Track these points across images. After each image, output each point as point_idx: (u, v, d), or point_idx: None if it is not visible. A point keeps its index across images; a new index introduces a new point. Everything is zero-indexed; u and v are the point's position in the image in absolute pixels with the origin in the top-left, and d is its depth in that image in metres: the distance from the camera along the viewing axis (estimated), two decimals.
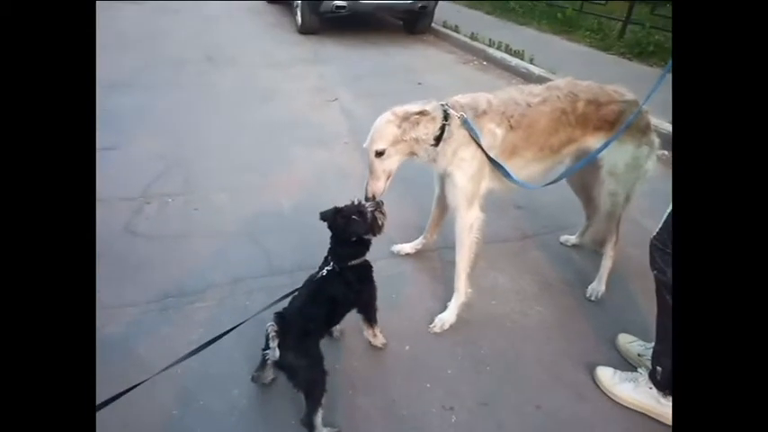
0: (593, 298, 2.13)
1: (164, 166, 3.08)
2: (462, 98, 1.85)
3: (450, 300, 1.98)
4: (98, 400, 1.09)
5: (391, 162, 1.78)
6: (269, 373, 1.58)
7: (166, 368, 1.30)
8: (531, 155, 1.89)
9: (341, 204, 1.59)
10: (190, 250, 2.34)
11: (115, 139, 3.36)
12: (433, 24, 7.01)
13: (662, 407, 1.57)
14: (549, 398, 1.67)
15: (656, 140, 1.96)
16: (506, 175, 1.81)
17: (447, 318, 1.94)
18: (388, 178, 1.80)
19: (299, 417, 1.44)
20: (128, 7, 7.58)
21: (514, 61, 5.43)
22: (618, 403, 1.64)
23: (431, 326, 1.93)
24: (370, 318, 1.74)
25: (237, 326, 1.47)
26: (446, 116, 1.76)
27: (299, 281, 1.63)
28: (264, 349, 1.43)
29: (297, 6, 6.62)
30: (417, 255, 2.37)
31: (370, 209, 1.58)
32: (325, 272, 1.57)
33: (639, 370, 1.66)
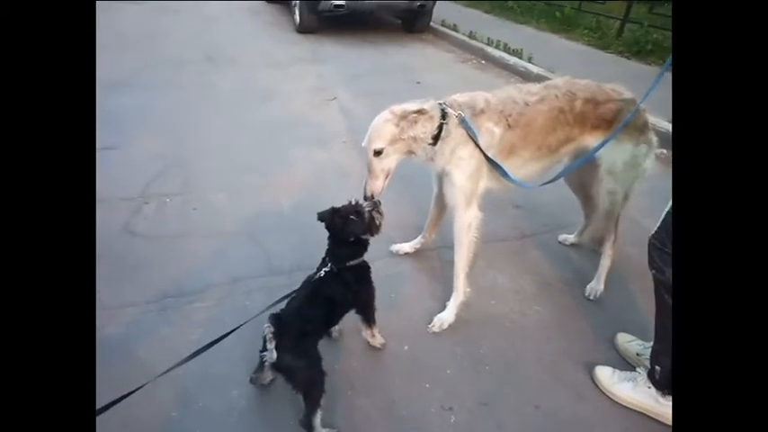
0: (591, 297, 2.13)
1: (163, 166, 3.08)
2: (460, 97, 1.85)
3: (449, 299, 1.98)
4: (98, 401, 1.09)
5: (389, 161, 1.78)
6: (267, 375, 1.58)
7: (167, 371, 1.29)
8: (529, 154, 1.89)
9: (339, 204, 1.59)
10: (189, 250, 2.34)
11: (114, 139, 3.35)
12: (431, 23, 7.02)
13: (661, 406, 1.57)
14: (549, 397, 1.67)
15: (655, 139, 1.96)
16: (504, 174, 1.81)
17: (446, 317, 1.94)
18: (386, 177, 1.80)
19: (298, 418, 1.44)
20: (128, 7, 7.57)
21: (513, 60, 5.43)
22: (617, 403, 1.64)
23: (430, 325, 1.93)
24: (368, 318, 1.74)
25: (238, 328, 1.47)
26: (444, 115, 1.76)
27: (299, 281, 1.63)
28: (262, 351, 1.43)
29: (295, 6, 6.62)
30: (416, 254, 2.37)
31: (367, 209, 1.58)
32: (323, 273, 1.57)
33: (638, 369, 1.66)
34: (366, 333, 1.79)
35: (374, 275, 1.70)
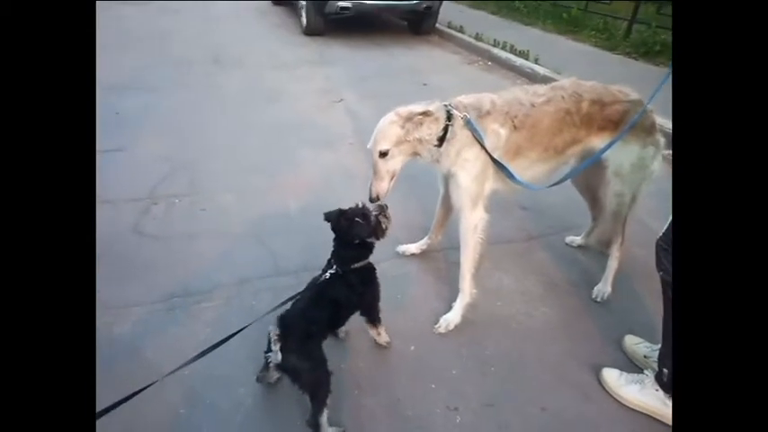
0: (598, 299, 2.12)
1: (170, 168, 3.11)
2: (466, 98, 1.85)
3: (455, 300, 1.98)
4: (104, 400, 1.10)
5: (395, 162, 1.79)
6: (273, 374, 1.59)
7: (174, 371, 1.29)
8: (536, 155, 1.88)
9: (346, 206, 1.59)
10: (196, 251, 2.36)
11: (122, 141, 3.39)
12: (437, 25, 7.02)
13: (668, 409, 1.56)
14: (555, 399, 1.67)
15: (662, 140, 1.94)
16: (510, 176, 1.81)
17: (452, 318, 1.94)
18: (391, 179, 1.81)
19: (305, 418, 1.45)
20: (134, 8, 7.66)
21: (519, 61, 5.42)
22: (623, 405, 1.64)
23: (436, 326, 1.93)
24: (372, 319, 1.75)
25: (245, 328, 1.47)
26: (449, 117, 1.76)
27: (305, 281, 1.64)
28: (267, 352, 1.44)
29: (302, 7, 6.65)
30: (422, 255, 2.37)
31: (374, 212, 1.57)
32: (327, 275, 1.57)
33: (646, 372, 1.65)
34: (372, 332, 1.79)
35: (381, 276, 1.71)
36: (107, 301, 1.95)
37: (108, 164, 3.02)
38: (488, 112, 1.80)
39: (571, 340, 1.92)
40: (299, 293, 1.58)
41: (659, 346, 1.60)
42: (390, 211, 1.64)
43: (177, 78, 4.84)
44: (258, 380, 1.63)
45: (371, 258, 1.67)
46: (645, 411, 1.60)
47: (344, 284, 1.57)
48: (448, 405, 1.63)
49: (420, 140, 1.75)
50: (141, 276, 2.16)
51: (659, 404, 1.58)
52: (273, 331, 1.38)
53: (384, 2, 6.33)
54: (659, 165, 1.95)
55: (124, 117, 3.85)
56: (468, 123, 1.76)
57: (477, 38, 6.33)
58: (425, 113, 1.73)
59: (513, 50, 5.72)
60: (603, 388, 1.69)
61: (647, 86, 1.86)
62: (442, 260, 2.36)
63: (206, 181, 2.99)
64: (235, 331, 1.45)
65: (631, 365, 1.77)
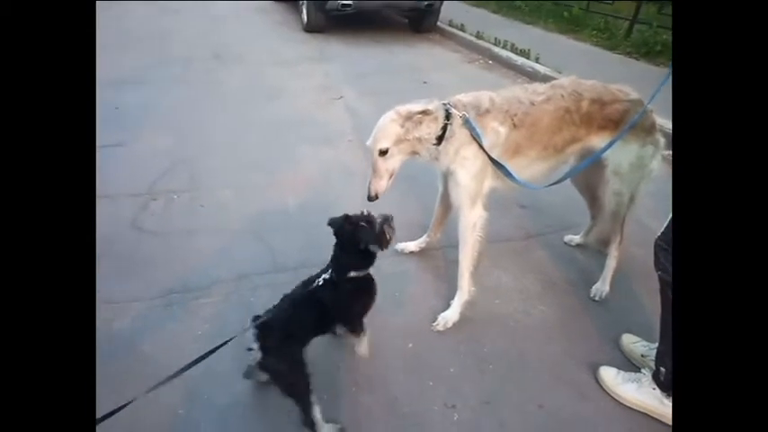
0: (597, 298, 2.12)
1: (170, 163, 3.11)
2: (465, 97, 1.85)
3: (453, 298, 1.98)
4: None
5: (394, 161, 1.79)
6: (261, 373, 1.57)
7: (174, 375, 1.26)
8: (535, 154, 1.88)
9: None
10: (195, 246, 2.36)
11: (121, 136, 3.39)
12: (438, 23, 7.00)
13: (665, 407, 1.56)
14: (552, 397, 1.67)
15: (662, 140, 1.94)
16: (508, 175, 1.81)
17: (450, 316, 1.95)
18: (390, 177, 1.81)
19: (301, 417, 1.44)
20: (135, 7, 7.63)
21: (520, 60, 5.42)
22: (620, 403, 1.64)
23: (434, 324, 1.94)
24: (354, 329, 1.65)
25: (245, 329, 1.46)
26: (448, 115, 1.76)
27: (303, 278, 1.64)
28: (249, 349, 1.43)
29: (303, 5, 6.64)
30: (421, 253, 2.37)
31: (379, 220, 1.53)
32: (321, 281, 1.53)
33: (643, 370, 1.66)
34: (352, 340, 1.70)
35: (379, 274, 1.68)
36: (106, 297, 1.95)
37: (107, 159, 3.02)
38: (487, 111, 1.80)
39: (569, 339, 1.92)
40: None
41: (657, 344, 1.60)
42: (394, 223, 1.58)
43: (177, 75, 4.83)
44: (245, 376, 1.62)
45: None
46: (642, 410, 1.61)
47: (335, 293, 1.52)
48: (445, 402, 1.64)
49: (419, 139, 1.75)
50: (140, 272, 2.16)
51: (656, 403, 1.58)
52: (252, 330, 1.37)
53: None
54: (658, 164, 1.95)
55: (124, 112, 3.84)
56: (466, 122, 1.76)
57: (478, 36, 6.32)
58: (425, 112, 1.73)
59: (513, 49, 5.71)
60: (601, 386, 1.70)
61: (647, 86, 1.86)
62: (440, 258, 2.36)
63: (205, 177, 2.99)
64: (234, 334, 1.43)
65: (629, 364, 1.78)
